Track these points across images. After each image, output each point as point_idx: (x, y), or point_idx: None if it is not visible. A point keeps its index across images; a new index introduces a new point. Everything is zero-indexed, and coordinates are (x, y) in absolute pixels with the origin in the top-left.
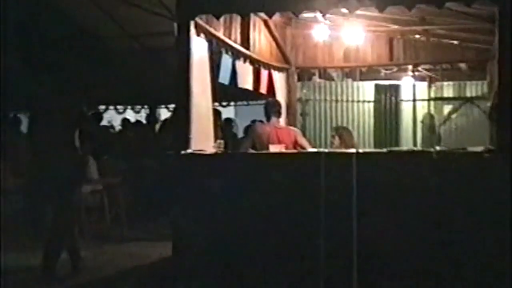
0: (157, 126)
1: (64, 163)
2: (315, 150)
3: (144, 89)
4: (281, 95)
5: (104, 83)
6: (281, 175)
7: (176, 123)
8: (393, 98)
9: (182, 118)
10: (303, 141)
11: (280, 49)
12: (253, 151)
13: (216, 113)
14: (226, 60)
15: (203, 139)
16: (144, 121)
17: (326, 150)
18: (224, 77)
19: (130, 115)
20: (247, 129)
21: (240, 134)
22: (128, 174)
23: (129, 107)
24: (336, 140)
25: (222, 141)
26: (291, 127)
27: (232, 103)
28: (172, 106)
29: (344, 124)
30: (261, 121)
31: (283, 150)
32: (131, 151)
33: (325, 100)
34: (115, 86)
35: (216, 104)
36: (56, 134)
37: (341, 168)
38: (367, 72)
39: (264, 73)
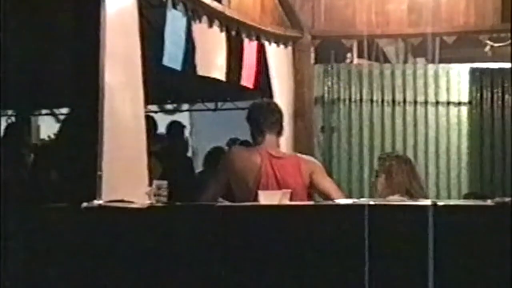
0: (32, 152)
1: None
2: (349, 200)
3: (5, 76)
4: (282, 91)
5: None
6: (283, 250)
7: (71, 145)
8: (508, 96)
9: (85, 136)
10: (324, 182)
11: (280, 1)
12: (226, 203)
13: (151, 125)
14: (174, 21)
15: (127, 177)
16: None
17: (372, 202)
18: (171, 56)
19: None
20: (211, 157)
21: (199, 166)
22: None
23: None
24: (381, 180)
25: (165, 182)
26: (303, 156)
27: (184, 106)
28: (63, 111)
29: (408, 148)
30: (243, 142)
31: (286, 201)
32: None
33: (371, 101)
34: None
35: (153, 107)
36: None
37: (404, 234)
38: (455, 46)
39: (249, 48)
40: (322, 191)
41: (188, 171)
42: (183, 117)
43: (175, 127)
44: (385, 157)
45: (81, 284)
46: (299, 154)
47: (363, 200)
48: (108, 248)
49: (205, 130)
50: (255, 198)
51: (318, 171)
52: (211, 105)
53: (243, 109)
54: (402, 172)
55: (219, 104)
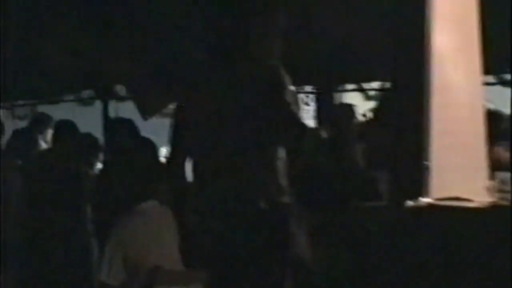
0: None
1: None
2: None
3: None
4: None
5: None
6: None
7: (390, 129)
8: None
9: (408, 117)
10: None
11: None
12: None
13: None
14: None
15: (461, 168)
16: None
17: None
18: None
19: None
20: None
21: None
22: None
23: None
24: None
25: (509, 175)
26: None
27: None
28: (374, 85)
29: None
30: None
31: None
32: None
33: None
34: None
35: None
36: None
37: None
38: None
39: None
40: None
41: None
42: None
43: None
44: None
45: None
46: None
47: None
48: (440, 257)
49: None
50: None
51: None
52: None
53: None
54: None
55: None
